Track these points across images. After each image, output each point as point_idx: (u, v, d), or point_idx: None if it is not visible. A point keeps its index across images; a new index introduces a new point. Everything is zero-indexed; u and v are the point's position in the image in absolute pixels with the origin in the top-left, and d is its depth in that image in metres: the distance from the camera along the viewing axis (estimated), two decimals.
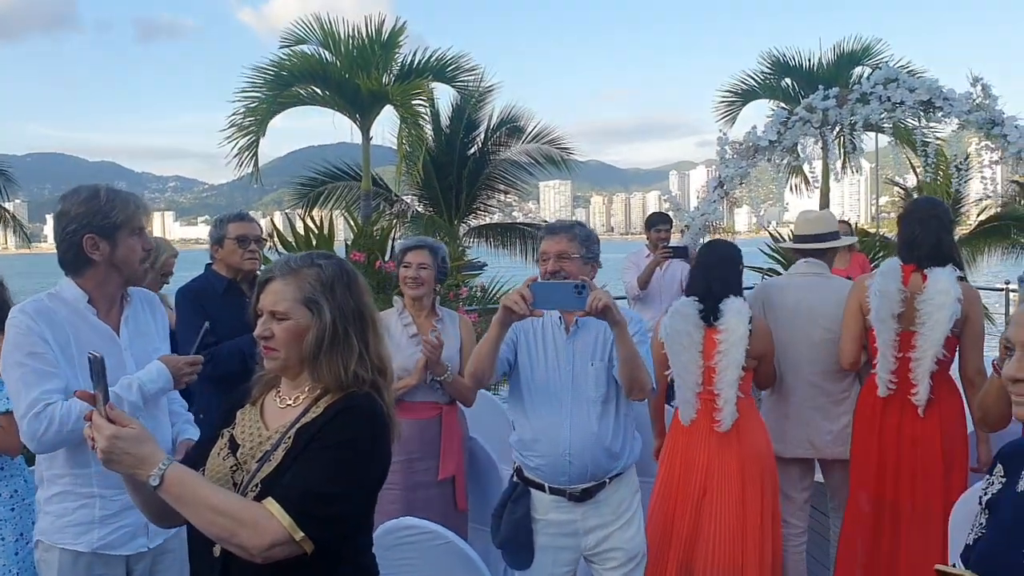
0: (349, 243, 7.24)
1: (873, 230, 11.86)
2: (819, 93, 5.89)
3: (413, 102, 11.36)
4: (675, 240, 6.14)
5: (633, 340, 2.62)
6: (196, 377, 2.59)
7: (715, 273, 3.39)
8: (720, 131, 6.54)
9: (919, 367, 3.34)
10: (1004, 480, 1.59)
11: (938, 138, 9.40)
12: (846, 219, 8.20)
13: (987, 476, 1.65)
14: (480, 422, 3.96)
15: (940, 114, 5.77)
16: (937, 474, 3.36)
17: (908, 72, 7.37)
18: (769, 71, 13.29)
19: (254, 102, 11.29)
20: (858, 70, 12.48)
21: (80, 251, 2.29)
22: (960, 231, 12.58)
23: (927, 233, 3.39)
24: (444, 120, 13.72)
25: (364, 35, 11.94)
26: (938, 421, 3.37)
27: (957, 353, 3.41)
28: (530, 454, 2.80)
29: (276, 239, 7.10)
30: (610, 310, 2.47)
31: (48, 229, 2.56)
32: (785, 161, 6.26)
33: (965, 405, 3.41)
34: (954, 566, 1.55)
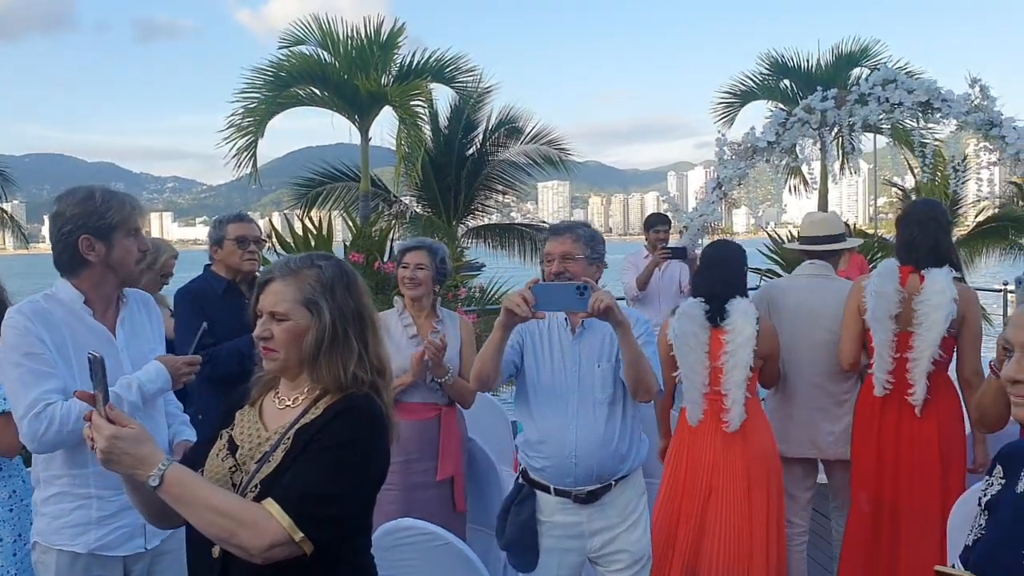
0: (348, 244, 7.23)
1: (871, 231, 11.87)
2: (817, 94, 5.90)
3: (412, 103, 11.35)
4: (674, 241, 6.15)
5: (639, 341, 2.60)
6: (194, 377, 2.59)
7: (720, 274, 3.40)
8: (718, 132, 6.55)
9: (916, 367, 3.36)
10: (1003, 481, 1.59)
11: (936, 139, 9.42)
12: (844, 220, 8.21)
13: (986, 477, 1.65)
14: (479, 423, 3.96)
15: (938, 115, 5.78)
16: (935, 474, 3.37)
17: (906, 73, 7.36)
18: (767, 72, 13.29)
19: (253, 103, 11.28)
20: (856, 71, 12.48)
21: (76, 252, 2.29)
22: (958, 232, 12.60)
23: (925, 235, 3.41)
24: (443, 121, 13.71)
25: (363, 36, 11.93)
26: (936, 422, 3.38)
27: (955, 354, 3.42)
28: (535, 455, 2.77)
29: (275, 240, 7.09)
30: (612, 311, 2.45)
31: (46, 230, 2.56)
32: (784, 162, 6.28)
33: (963, 406, 3.41)
34: (953, 567, 1.55)
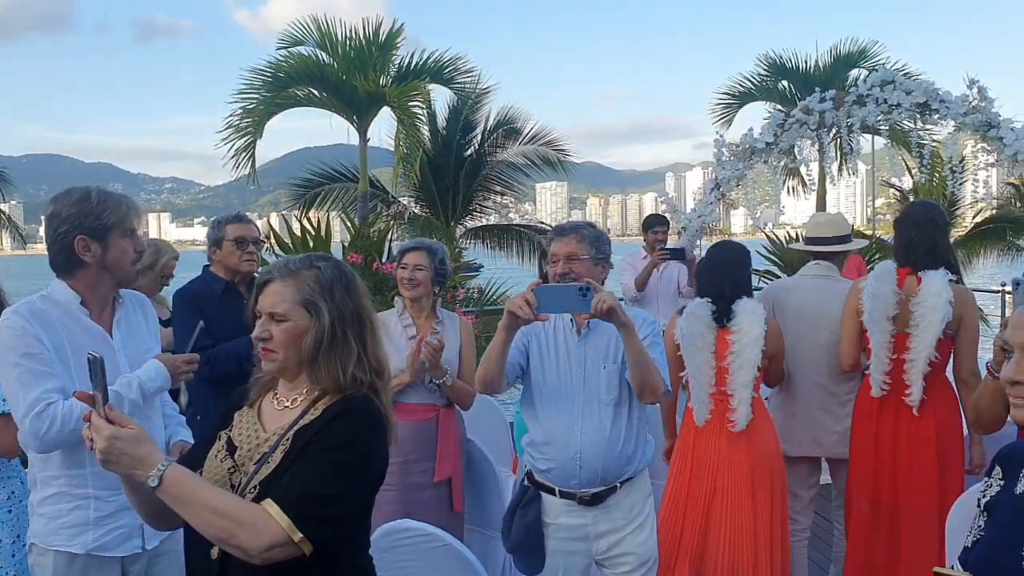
0: (346, 244, 7.23)
1: (869, 232, 11.89)
2: (816, 95, 5.91)
3: (410, 104, 11.36)
4: (672, 242, 6.15)
5: (645, 342, 2.59)
6: (192, 375, 2.59)
7: (724, 274, 3.40)
8: (717, 133, 6.57)
9: (913, 368, 3.37)
10: (1002, 482, 1.59)
11: (934, 140, 9.43)
12: None
13: (985, 478, 1.65)
14: (477, 424, 3.96)
15: (936, 116, 5.80)
16: (933, 475, 3.38)
17: (904, 74, 7.39)
18: (766, 73, 13.32)
19: (251, 103, 11.28)
20: (855, 72, 12.51)
21: (72, 253, 2.28)
22: (956, 233, 12.62)
23: (923, 236, 3.42)
24: (441, 121, 13.73)
25: (361, 37, 11.94)
26: (934, 422, 3.39)
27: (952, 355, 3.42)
28: (541, 457, 2.75)
29: (273, 241, 7.09)
30: (615, 312, 2.44)
31: (44, 230, 2.56)
32: (782, 163, 6.29)
33: (961, 407, 3.42)
34: (952, 568, 1.55)
